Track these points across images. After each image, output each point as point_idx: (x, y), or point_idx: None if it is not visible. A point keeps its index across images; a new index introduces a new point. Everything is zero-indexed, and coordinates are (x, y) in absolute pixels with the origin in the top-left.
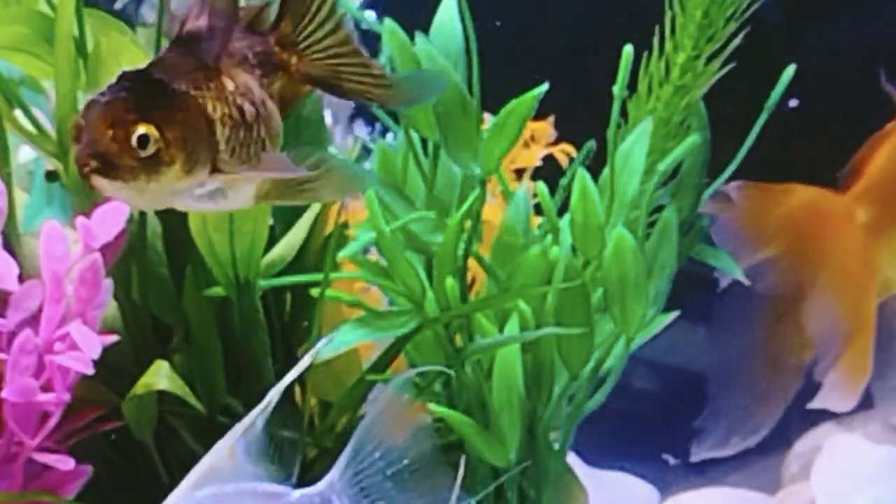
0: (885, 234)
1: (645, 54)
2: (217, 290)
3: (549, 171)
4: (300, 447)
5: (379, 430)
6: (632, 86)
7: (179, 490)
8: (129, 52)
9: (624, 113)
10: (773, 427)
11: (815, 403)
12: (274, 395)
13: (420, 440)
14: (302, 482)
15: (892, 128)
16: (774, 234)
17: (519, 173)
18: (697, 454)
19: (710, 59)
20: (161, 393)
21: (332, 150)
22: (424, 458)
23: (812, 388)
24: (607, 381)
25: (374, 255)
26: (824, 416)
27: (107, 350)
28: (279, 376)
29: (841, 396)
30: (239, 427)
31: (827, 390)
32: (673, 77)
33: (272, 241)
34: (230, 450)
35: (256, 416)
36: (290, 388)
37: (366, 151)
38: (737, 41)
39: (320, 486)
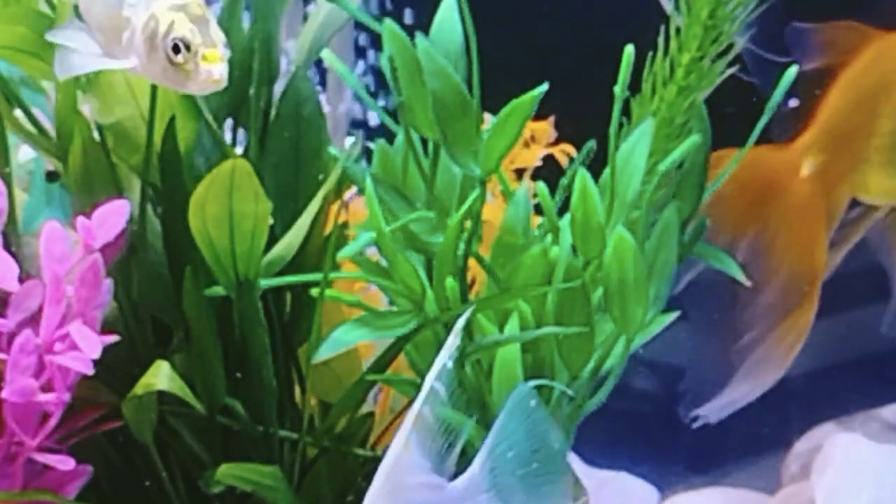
0: (846, 177)
1: (649, 54)
2: (217, 290)
3: (549, 171)
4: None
5: (511, 431)
6: (633, 86)
7: (374, 488)
8: None
9: (627, 113)
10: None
11: (738, 377)
12: (431, 379)
13: (549, 444)
14: (302, 483)
15: (836, 68)
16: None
17: (519, 173)
18: (689, 413)
19: (714, 60)
20: (161, 393)
21: (332, 150)
22: (551, 464)
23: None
24: (607, 381)
25: (374, 256)
26: (824, 415)
27: (107, 350)
28: (279, 376)
29: (767, 368)
30: (410, 419)
31: (752, 364)
32: (677, 77)
33: (272, 241)
34: (406, 444)
35: (421, 406)
36: (290, 388)
37: (365, 151)
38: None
39: (464, 479)
